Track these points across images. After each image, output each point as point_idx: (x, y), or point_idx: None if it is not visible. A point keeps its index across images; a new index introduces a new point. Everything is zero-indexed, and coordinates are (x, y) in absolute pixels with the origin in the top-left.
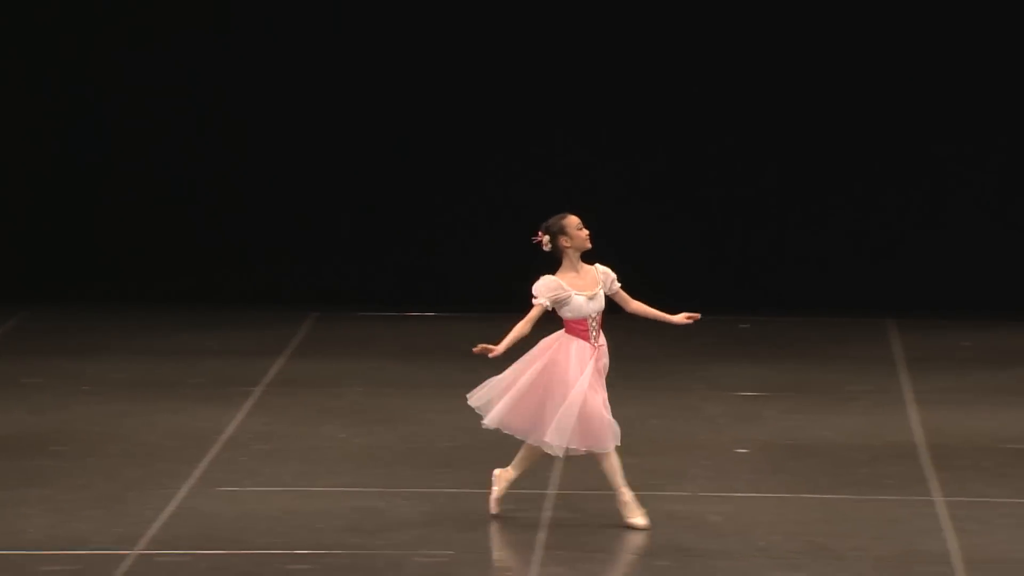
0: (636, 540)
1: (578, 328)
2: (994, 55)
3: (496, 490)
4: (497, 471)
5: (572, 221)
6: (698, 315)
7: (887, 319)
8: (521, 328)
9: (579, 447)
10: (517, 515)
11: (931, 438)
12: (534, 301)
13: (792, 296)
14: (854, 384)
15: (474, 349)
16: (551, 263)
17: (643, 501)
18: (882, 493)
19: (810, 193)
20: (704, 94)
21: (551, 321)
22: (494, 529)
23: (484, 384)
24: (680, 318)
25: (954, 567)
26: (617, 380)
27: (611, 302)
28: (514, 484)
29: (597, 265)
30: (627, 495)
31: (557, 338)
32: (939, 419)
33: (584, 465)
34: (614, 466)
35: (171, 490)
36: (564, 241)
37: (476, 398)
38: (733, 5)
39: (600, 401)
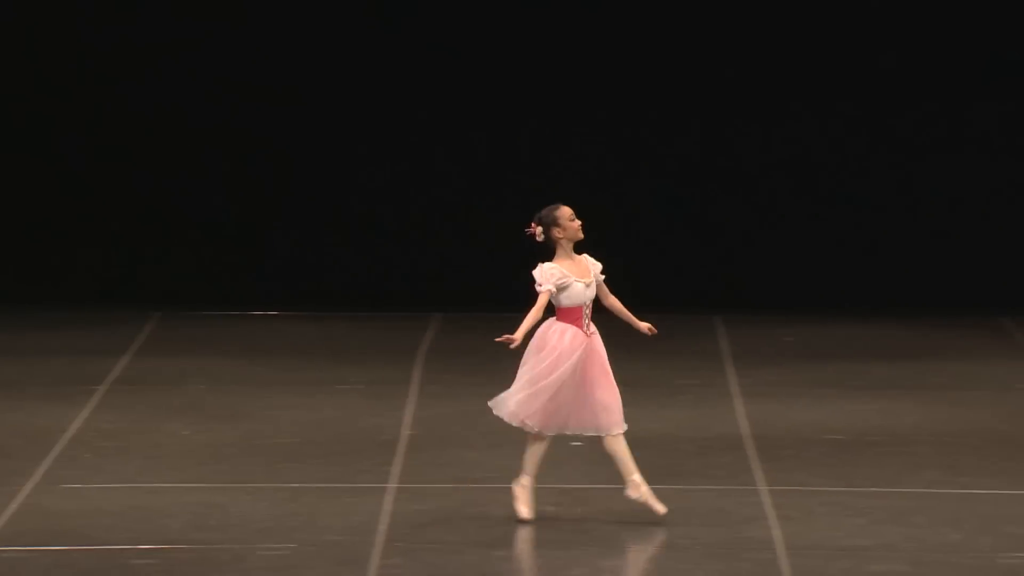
0: (473, 533)
1: (572, 315)
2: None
3: (524, 508)
4: (514, 487)
5: (565, 212)
6: (656, 330)
7: (714, 315)
8: (534, 316)
9: (542, 428)
10: (359, 507)
11: (756, 430)
12: (539, 288)
13: (622, 294)
14: (682, 378)
15: (496, 339)
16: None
17: (480, 494)
18: (710, 483)
19: (643, 189)
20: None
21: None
22: (336, 522)
23: (513, 396)
24: (644, 327)
25: (777, 553)
26: (462, 375)
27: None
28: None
29: (585, 255)
30: (639, 483)
31: (554, 329)
32: (764, 411)
33: (431, 459)
34: (623, 452)
35: (14, 487)
36: (557, 232)
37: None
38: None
39: (586, 388)
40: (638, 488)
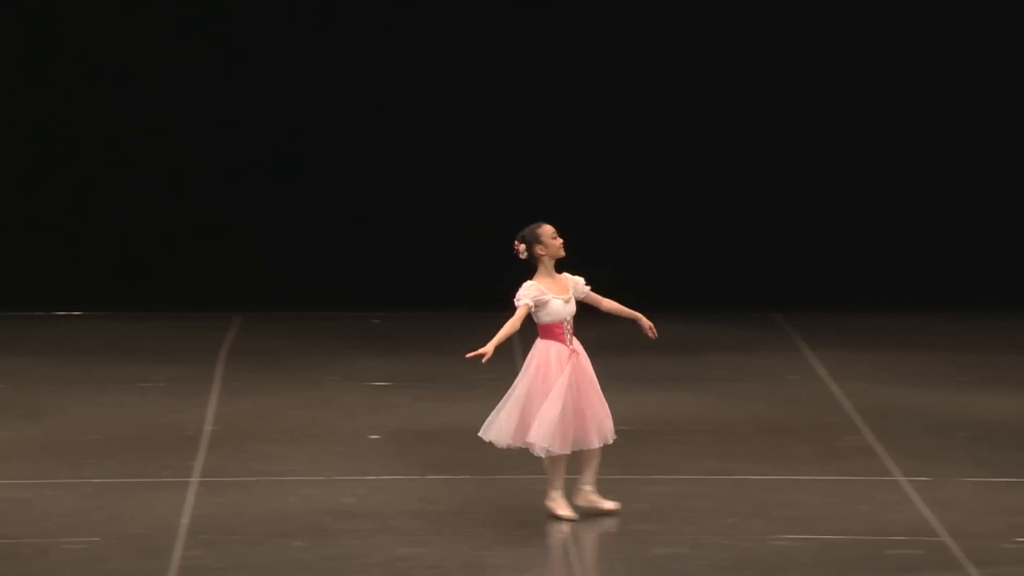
0: (273, 525)
1: (555, 332)
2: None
3: (566, 512)
4: (549, 505)
5: (547, 230)
6: (655, 332)
7: (505, 311)
8: (508, 328)
9: (561, 450)
10: (162, 501)
11: None
12: (518, 303)
13: (424, 292)
14: (478, 373)
15: (467, 355)
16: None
17: (280, 487)
18: (502, 472)
19: (433, 197)
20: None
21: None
22: (139, 515)
23: (496, 420)
24: (646, 324)
25: (568, 538)
26: (263, 373)
27: (585, 306)
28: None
29: (565, 273)
30: (589, 492)
31: (539, 348)
32: None
33: (233, 453)
34: (595, 461)
35: None
36: (539, 249)
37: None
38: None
39: (583, 402)
40: (587, 497)
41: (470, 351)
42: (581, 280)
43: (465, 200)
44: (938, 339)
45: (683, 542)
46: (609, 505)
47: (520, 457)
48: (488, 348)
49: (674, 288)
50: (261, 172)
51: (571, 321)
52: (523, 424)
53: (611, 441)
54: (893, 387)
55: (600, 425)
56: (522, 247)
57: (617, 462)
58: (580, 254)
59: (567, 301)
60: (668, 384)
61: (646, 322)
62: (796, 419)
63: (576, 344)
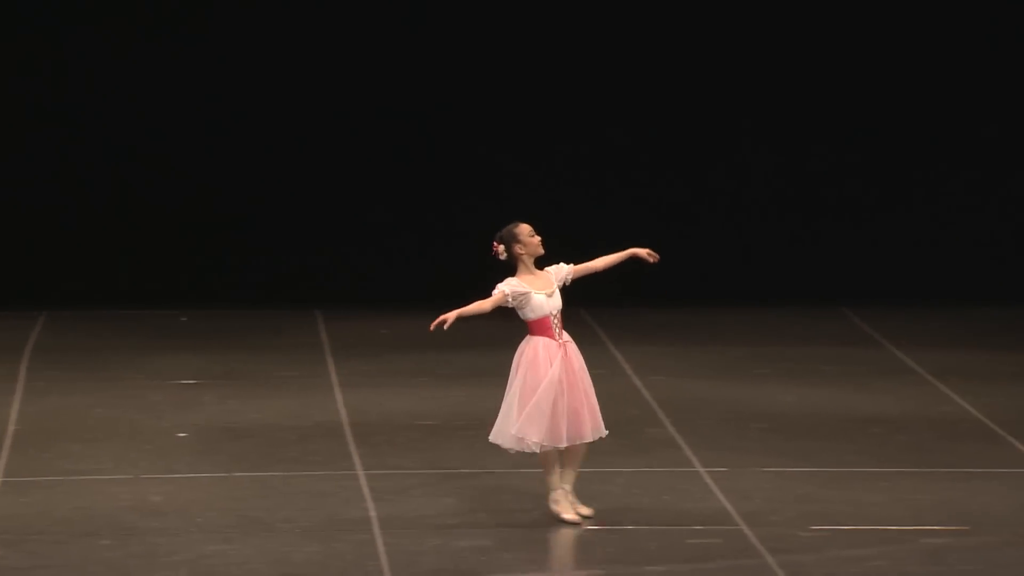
0: (78, 524)
1: (541, 327)
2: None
3: (569, 514)
4: (552, 508)
5: (524, 229)
6: (655, 254)
7: (315, 309)
8: (476, 306)
9: (553, 444)
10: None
11: (354, 417)
12: (497, 287)
13: (230, 289)
14: (285, 370)
15: (431, 327)
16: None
17: (86, 486)
18: (310, 469)
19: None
20: None
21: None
22: None
23: (510, 422)
24: (643, 252)
25: (374, 532)
26: (67, 372)
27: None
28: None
29: (548, 268)
30: (567, 493)
31: (528, 344)
32: (361, 400)
33: (37, 453)
34: (580, 459)
35: None
36: (518, 248)
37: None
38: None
39: (575, 397)
40: (561, 500)
41: (272, 348)
42: (563, 266)
43: (265, 193)
44: (735, 333)
45: (489, 535)
46: (584, 510)
47: (326, 454)
48: (450, 315)
49: (479, 284)
50: (74, 170)
51: (558, 315)
52: (562, 421)
53: (604, 435)
54: (693, 380)
55: (593, 418)
56: (501, 248)
57: (423, 457)
58: None
59: (550, 295)
60: (474, 379)
61: (643, 251)
62: (601, 413)
63: (566, 337)
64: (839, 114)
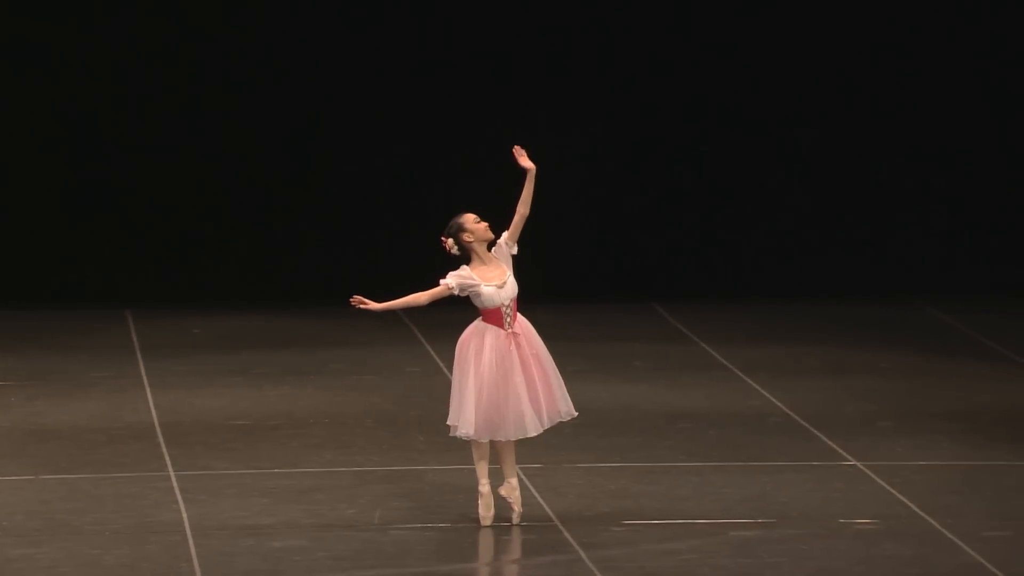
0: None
1: (493, 317)
2: None
3: (483, 515)
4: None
5: (468, 217)
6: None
7: (124, 309)
8: (416, 297)
9: (479, 436)
10: None
11: (165, 418)
12: (441, 281)
13: (35, 289)
14: (95, 371)
15: (351, 300)
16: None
17: None
18: (120, 471)
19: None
20: None
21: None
22: None
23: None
24: (527, 164)
25: (186, 533)
26: None
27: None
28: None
29: (497, 244)
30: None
31: (473, 331)
32: (173, 400)
33: None
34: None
35: None
36: (466, 238)
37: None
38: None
39: (518, 386)
40: (511, 492)
41: (81, 349)
42: (503, 236)
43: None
44: (548, 329)
45: (303, 535)
46: (517, 509)
47: (137, 455)
48: (375, 305)
49: (298, 283)
50: None
51: (511, 304)
52: (495, 413)
53: (573, 416)
54: None
55: (549, 404)
56: (450, 242)
57: (236, 457)
58: None
59: (501, 286)
60: (289, 378)
61: (526, 165)
62: (415, 411)
63: (520, 327)
64: (654, 108)
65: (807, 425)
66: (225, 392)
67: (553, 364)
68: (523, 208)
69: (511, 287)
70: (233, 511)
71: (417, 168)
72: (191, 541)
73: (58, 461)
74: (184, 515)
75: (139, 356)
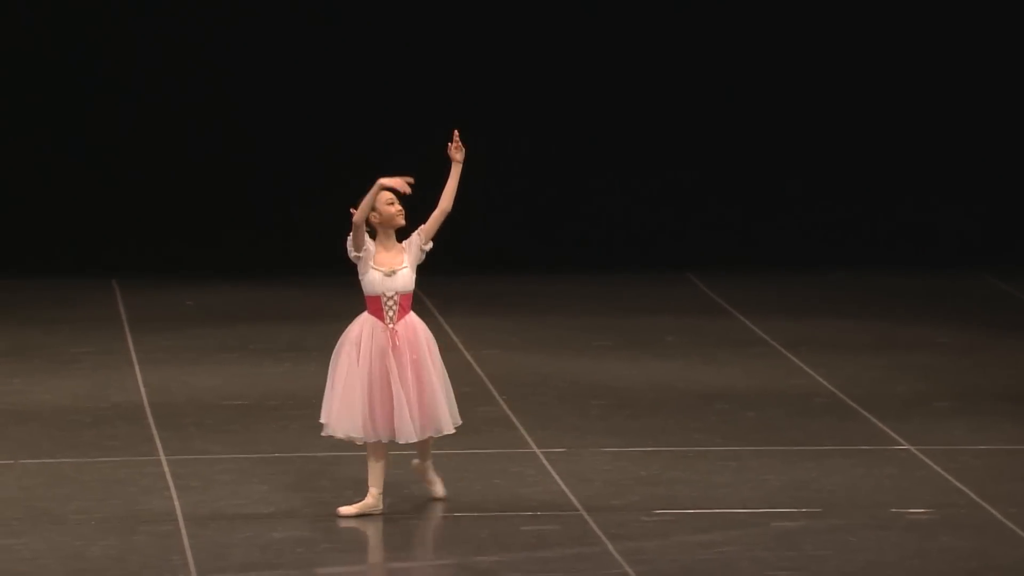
0: None
1: (373, 306)
2: None
3: (346, 511)
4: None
5: (383, 196)
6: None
7: (111, 278)
8: (367, 205)
9: (371, 438)
10: None
11: (155, 397)
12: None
13: (12, 257)
14: (79, 346)
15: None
16: None
17: None
18: (107, 455)
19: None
20: None
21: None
22: None
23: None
24: (455, 156)
25: (178, 523)
26: None
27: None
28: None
29: (410, 238)
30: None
31: (356, 321)
32: (163, 378)
33: None
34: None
35: None
36: (372, 217)
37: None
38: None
39: (388, 390)
40: (420, 470)
41: (64, 321)
42: (417, 234)
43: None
44: (570, 302)
45: (304, 525)
46: (438, 490)
47: (125, 438)
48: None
49: (304, 256)
50: None
51: (397, 297)
52: (370, 409)
53: (450, 432)
54: (529, 354)
55: (427, 415)
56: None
57: (233, 440)
58: None
59: (390, 274)
60: (291, 355)
61: (451, 147)
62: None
63: (407, 325)
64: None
65: (856, 406)
66: (220, 369)
67: (439, 371)
68: (444, 203)
69: (401, 280)
70: (229, 499)
71: (418, 133)
72: (184, 531)
73: (39, 444)
74: (176, 503)
75: (127, 330)
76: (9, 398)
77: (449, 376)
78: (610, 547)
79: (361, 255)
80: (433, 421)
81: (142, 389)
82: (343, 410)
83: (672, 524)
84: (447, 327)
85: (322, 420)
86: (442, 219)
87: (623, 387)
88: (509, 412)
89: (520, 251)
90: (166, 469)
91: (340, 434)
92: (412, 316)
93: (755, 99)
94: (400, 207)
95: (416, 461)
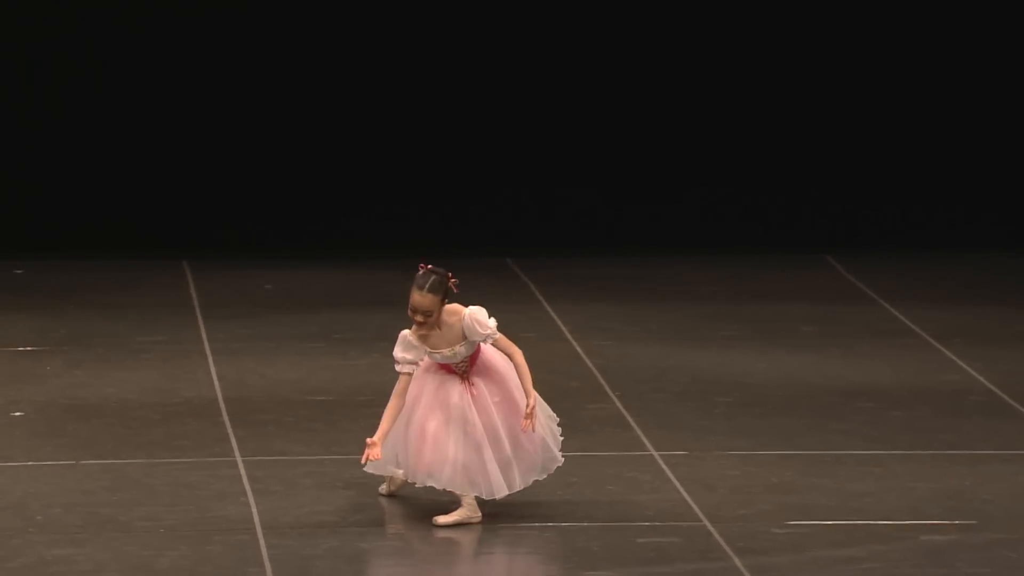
0: None
1: (442, 366)
2: None
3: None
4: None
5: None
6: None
7: (182, 259)
8: (393, 407)
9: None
10: None
11: (230, 392)
12: (397, 368)
13: (72, 235)
14: (146, 334)
15: (362, 459)
16: None
17: None
18: (177, 455)
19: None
20: None
21: None
22: None
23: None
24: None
25: (256, 533)
26: None
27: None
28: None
29: (465, 314)
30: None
31: (425, 366)
32: (239, 370)
33: None
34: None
35: None
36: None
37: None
38: None
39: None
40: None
41: (130, 307)
42: (485, 329)
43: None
44: (697, 287)
45: (396, 535)
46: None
47: (197, 437)
48: (378, 436)
49: (396, 235)
50: None
51: (467, 361)
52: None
53: (542, 477)
54: (643, 345)
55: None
56: (454, 281)
57: (317, 440)
58: None
59: (451, 356)
60: (381, 345)
61: (527, 415)
62: (535, 385)
63: (482, 368)
64: (818, 57)
65: (1016, 405)
66: (302, 361)
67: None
68: (518, 373)
69: (464, 351)
70: (312, 505)
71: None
72: (262, 541)
73: (102, 443)
74: (254, 510)
75: (199, 316)
76: (69, 392)
77: (556, 369)
78: (736, 562)
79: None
80: (532, 464)
81: (216, 383)
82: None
83: (806, 537)
84: (553, 314)
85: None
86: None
87: (751, 383)
88: (623, 410)
89: (634, 228)
90: (242, 472)
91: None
92: (487, 354)
93: (903, 75)
94: (421, 318)
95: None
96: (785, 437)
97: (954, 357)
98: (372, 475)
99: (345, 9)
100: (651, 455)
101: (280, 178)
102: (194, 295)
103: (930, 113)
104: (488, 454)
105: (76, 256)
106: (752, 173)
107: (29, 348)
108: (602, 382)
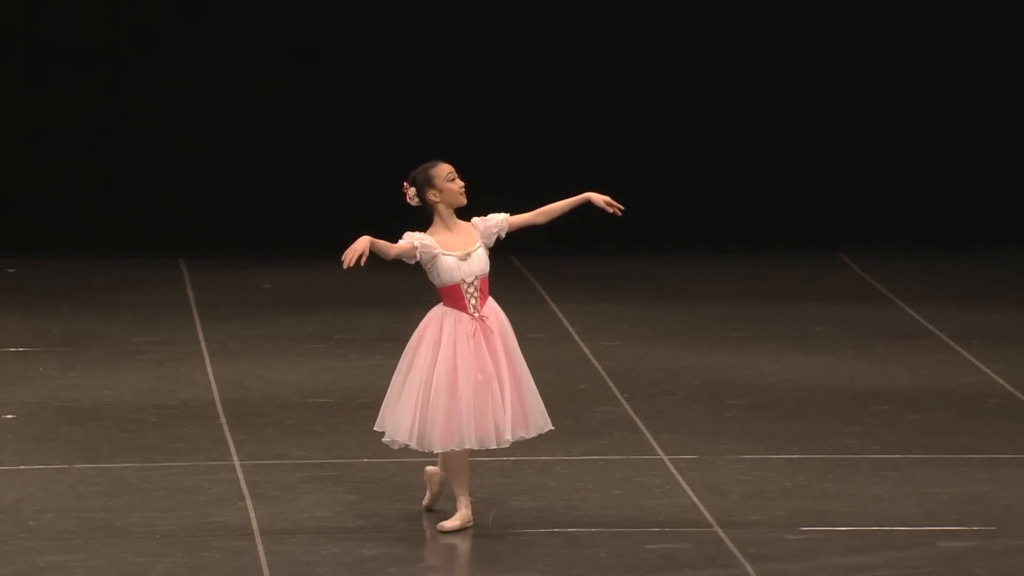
0: None
1: (452, 296)
2: None
3: (449, 525)
4: (429, 468)
5: (442, 170)
6: (619, 206)
7: (178, 258)
8: (387, 245)
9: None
10: None
11: (228, 394)
12: (404, 236)
13: (67, 234)
14: (142, 335)
15: (344, 263)
16: None
17: None
18: (173, 459)
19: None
20: None
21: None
22: None
23: (401, 415)
24: (600, 200)
25: (255, 539)
26: None
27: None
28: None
29: (474, 219)
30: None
31: (430, 317)
32: (237, 372)
33: None
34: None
35: None
36: (432, 195)
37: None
38: None
39: (488, 388)
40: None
41: (125, 307)
42: (495, 216)
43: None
44: (708, 286)
45: (399, 540)
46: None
47: (194, 440)
48: (361, 243)
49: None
50: None
51: (477, 283)
52: (423, 418)
53: (546, 431)
54: (653, 346)
55: (524, 414)
56: (412, 191)
57: (316, 443)
58: None
59: (465, 258)
60: (383, 346)
61: (601, 198)
62: (539, 386)
63: (490, 310)
64: (826, 55)
65: None
66: (302, 362)
67: (525, 366)
68: (543, 218)
69: (479, 262)
70: (312, 510)
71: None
72: (260, 547)
73: (97, 447)
74: (252, 515)
75: (196, 316)
76: (63, 394)
77: (564, 370)
78: (749, 569)
79: (418, 256)
80: (534, 417)
81: (213, 385)
82: (409, 416)
83: (821, 543)
84: (560, 314)
85: (406, 440)
86: (527, 227)
87: (764, 385)
88: (632, 413)
89: (645, 227)
90: (240, 476)
91: (400, 442)
92: (492, 302)
93: (921, 73)
94: (462, 183)
95: (433, 468)
96: (799, 440)
97: (972, 358)
98: (375, 479)
99: (345, 9)
100: (661, 459)
101: (280, 177)
102: (191, 295)
103: (948, 111)
104: (499, 399)
105: (70, 255)
106: (764, 170)
107: (22, 349)
108: (610, 384)
